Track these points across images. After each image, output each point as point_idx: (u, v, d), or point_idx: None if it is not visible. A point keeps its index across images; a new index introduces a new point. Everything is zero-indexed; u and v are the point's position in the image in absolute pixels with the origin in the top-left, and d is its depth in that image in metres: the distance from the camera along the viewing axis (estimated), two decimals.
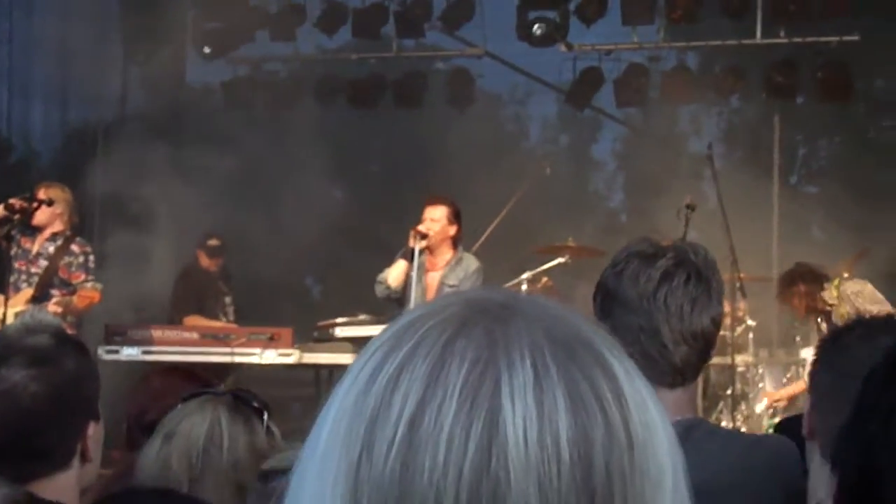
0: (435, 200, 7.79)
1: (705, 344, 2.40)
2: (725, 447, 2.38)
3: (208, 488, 2.24)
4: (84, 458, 2.25)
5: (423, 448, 0.71)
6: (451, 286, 7.70)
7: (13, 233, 7.74)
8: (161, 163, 9.81)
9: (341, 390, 0.77)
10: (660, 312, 2.36)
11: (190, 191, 9.79)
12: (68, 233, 7.86)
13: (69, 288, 7.74)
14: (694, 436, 2.28)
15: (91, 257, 7.88)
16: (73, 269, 7.79)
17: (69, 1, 11.09)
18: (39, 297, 7.65)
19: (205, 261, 9.47)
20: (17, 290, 7.75)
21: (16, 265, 7.80)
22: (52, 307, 7.47)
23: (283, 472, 1.61)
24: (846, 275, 8.64)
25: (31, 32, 11.44)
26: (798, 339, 9.03)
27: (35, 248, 7.82)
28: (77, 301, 7.63)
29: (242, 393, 2.40)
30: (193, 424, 2.28)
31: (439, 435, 0.71)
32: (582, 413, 0.72)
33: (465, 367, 0.72)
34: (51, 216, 7.80)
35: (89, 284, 7.76)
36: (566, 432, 0.71)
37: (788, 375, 9.00)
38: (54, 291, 7.74)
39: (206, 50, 11.41)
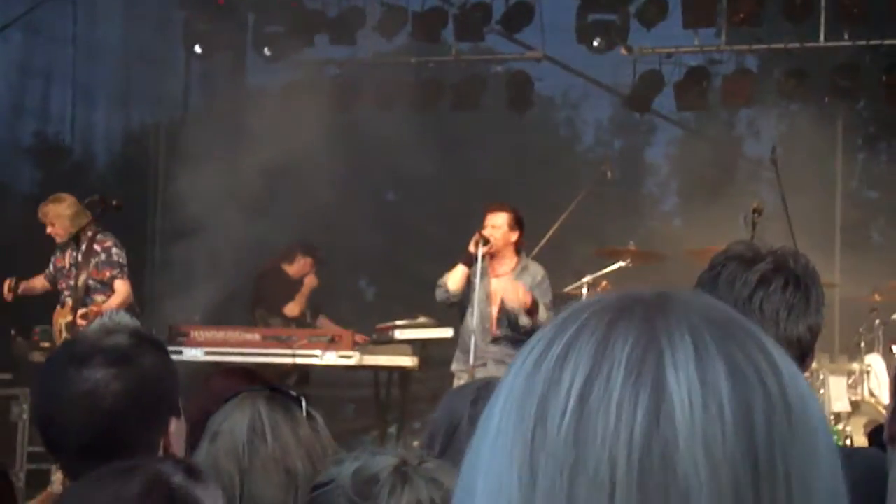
0: (496, 207, 7.79)
1: (800, 353, 2.36)
2: None
3: (259, 478, 2.31)
4: (167, 454, 2.28)
5: (595, 416, 0.76)
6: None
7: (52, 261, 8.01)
8: (221, 165, 9.88)
9: (510, 375, 0.81)
10: (754, 317, 2.33)
11: (249, 193, 9.86)
12: (89, 233, 7.78)
13: (107, 288, 7.86)
14: None
15: (114, 250, 7.91)
16: (101, 267, 7.87)
17: (132, 4, 11.21)
18: (80, 304, 7.74)
19: (297, 267, 9.46)
20: (63, 305, 7.96)
21: (60, 287, 8.02)
22: (80, 322, 7.53)
23: (325, 485, 1.66)
24: None
25: (95, 36, 11.58)
26: (862, 345, 8.93)
27: (66, 263, 7.98)
28: (91, 316, 7.59)
29: (278, 386, 2.49)
30: (235, 421, 2.36)
31: (609, 404, 0.76)
32: (742, 381, 0.76)
33: (628, 344, 0.77)
34: (55, 232, 7.92)
35: (118, 281, 7.85)
36: (728, 398, 0.76)
37: (851, 381, 8.89)
38: (98, 296, 7.85)
39: (267, 52, 11.49)
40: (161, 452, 2.27)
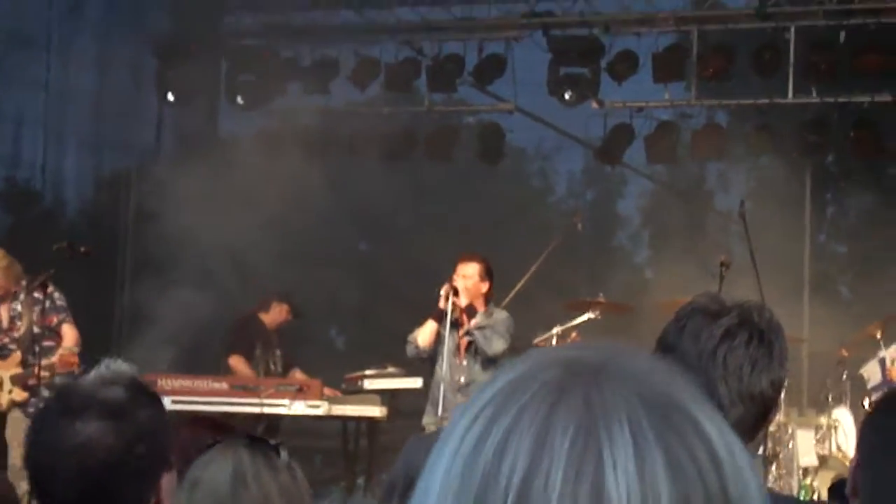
0: (467, 257, 7.85)
1: (763, 407, 2.37)
2: None
3: None
4: None
5: None
6: (478, 329, 7.71)
7: None
8: (192, 213, 9.86)
9: (446, 455, 0.79)
10: (718, 371, 2.34)
11: (220, 241, 9.83)
12: (24, 283, 7.79)
13: (54, 333, 7.78)
14: None
15: (56, 294, 7.86)
16: (47, 313, 7.79)
17: (105, 51, 11.22)
18: (29, 353, 7.68)
19: (273, 315, 9.41)
20: (5, 357, 7.82)
21: (2, 341, 7.86)
22: (44, 374, 7.45)
23: None
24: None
25: (67, 82, 11.57)
26: (830, 399, 8.96)
27: (4, 318, 7.87)
28: (59, 366, 7.58)
29: (257, 436, 2.51)
30: (218, 469, 2.35)
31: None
32: (681, 477, 0.76)
33: (568, 436, 0.76)
34: None
35: (65, 325, 7.77)
36: (666, 496, 0.75)
37: (818, 436, 8.91)
38: (46, 343, 7.75)
39: (240, 101, 11.51)
40: None
